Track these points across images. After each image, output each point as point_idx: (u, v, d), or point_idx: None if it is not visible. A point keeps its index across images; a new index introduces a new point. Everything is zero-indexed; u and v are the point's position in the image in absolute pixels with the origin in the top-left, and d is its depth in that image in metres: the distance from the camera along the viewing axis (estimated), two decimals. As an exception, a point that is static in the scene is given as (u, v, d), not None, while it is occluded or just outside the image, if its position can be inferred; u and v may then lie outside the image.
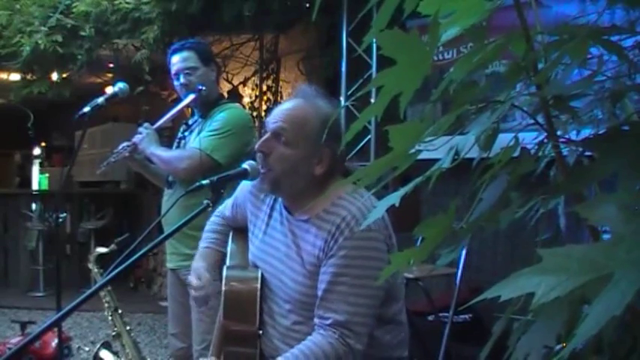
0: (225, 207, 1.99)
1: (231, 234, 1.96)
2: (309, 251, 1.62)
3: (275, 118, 1.66)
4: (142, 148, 2.67)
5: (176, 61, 2.70)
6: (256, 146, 1.68)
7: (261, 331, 1.71)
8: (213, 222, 2.03)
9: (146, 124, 2.72)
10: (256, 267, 1.77)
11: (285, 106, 1.69)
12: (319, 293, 1.57)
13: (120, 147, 2.70)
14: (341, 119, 1.71)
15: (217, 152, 2.57)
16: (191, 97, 2.66)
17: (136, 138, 2.68)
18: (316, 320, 1.58)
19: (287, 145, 1.63)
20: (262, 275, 1.74)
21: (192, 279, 1.81)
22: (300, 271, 1.63)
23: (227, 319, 1.74)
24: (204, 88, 2.65)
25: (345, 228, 1.55)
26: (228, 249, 1.92)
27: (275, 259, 1.71)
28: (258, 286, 1.72)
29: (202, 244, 1.98)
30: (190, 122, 2.83)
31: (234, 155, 2.59)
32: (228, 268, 1.82)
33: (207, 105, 2.73)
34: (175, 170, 2.61)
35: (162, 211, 2.73)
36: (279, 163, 1.64)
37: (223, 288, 1.75)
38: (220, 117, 2.64)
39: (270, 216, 1.78)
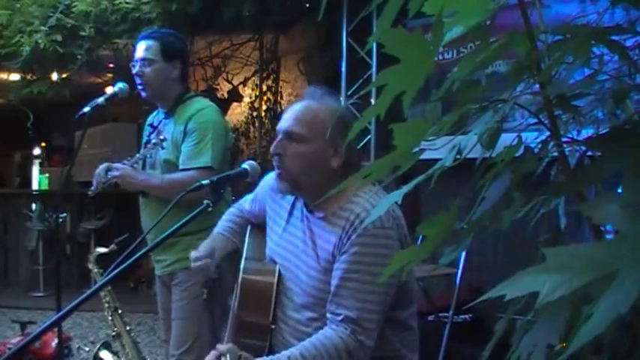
0: (245, 200, 2.03)
1: (249, 228, 1.99)
2: (324, 248, 1.65)
3: (285, 120, 1.70)
4: (132, 187, 2.59)
5: (138, 48, 2.62)
6: (271, 149, 1.71)
7: (274, 326, 1.74)
8: (230, 212, 2.06)
9: (116, 165, 2.56)
10: (274, 262, 1.81)
11: (294, 107, 1.73)
12: (332, 289, 1.60)
13: (107, 176, 2.56)
14: (351, 112, 1.77)
15: (211, 160, 2.53)
16: (154, 142, 2.52)
17: (116, 178, 2.55)
18: (328, 315, 1.61)
19: (300, 142, 1.66)
20: (279, 270, 1.77)
21: (193, 252, 1.86)
22: (315, 267, 1.66)
23: (241, 310, 1.77)
24: (164, 138, 2.51)
25: (358, 224, 1.57)
26: (245, 243, 1.95)
27: (292, 254, 1.75)
28: (275, 280, 1.75)
29: (216, 229, 2.02)
30: (155, 123, 2.74)
31: (222, 153, 2.59)
32: (246, 259, 1.85)
33: (168, 104, 2.66)
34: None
35: (142, 219, 2.70)
36: (295, 161, 1.67)
37: (240, 279, 1.78)
38: (195, 125, 2.54)
39: (290, 213, 1.81)
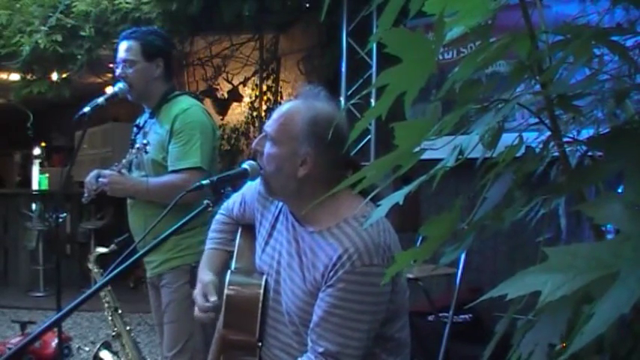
0: (234, 203, 1.95)
1: (240, 230, 1.93)
2: (310, 270, 1.59)
3: (269, 120, 1.67)
4: (121, 193, 2.59)
5: (120, 49, 2.61)
6: (252, 145, 1.69)
7: (260, 343, 1.69)
8: (218, 220, 1.99)
9: (104, 172, 2.56)
10: (262, 273, 1.74)
11: (280, 107, 1.69)
12: (314, 318, 1.55)
13: (97, 183, 2.56)
14: (336, 121, 1.61)
15: (200, 161, 2.51)
16: (138, 147, 2.51)
17: (104, 185, 2.55)
18: (309, 342, 1.56)
19: (273, 144, 1.62)
20: (266, 282, 1.71)
21: (199, 296, 1.77)
22: (301, 287, 1.61)
23: (227, 328, 1.71)
24: (147, 143, 2.50)
25: (346, 261, 1.50)
26: (236, 245, 1.89)
27: (278, 264, 1.69)
28: (261, 292, 1.69)
29: (208, 244, 1.96)
30: (141, 123, 2.72)
31: (210, 153, 2.58)
32: (232, 272, 1.78)
33: (153, 103, 2.65)
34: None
35: (130, 219, 2.70)
36: (267, 162, 1.64)
37: (225, 293, 1.71)
38: (182, 125, 2.53)
39: (277, 219, 1.76)
